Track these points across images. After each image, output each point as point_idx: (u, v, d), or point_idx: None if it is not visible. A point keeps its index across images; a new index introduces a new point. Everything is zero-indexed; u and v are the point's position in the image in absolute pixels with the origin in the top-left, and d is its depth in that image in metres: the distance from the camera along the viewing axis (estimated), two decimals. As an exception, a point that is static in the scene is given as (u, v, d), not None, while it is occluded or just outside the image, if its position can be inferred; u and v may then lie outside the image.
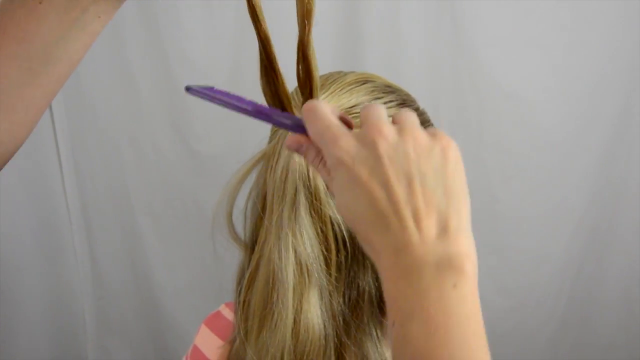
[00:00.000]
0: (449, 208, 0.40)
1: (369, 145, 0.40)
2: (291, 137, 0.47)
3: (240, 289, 0.60)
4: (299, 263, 0.53)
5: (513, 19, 1.40)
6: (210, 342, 0.73)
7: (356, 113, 0.54)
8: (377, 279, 0.58)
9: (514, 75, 1.45)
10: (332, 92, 0.56)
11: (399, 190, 0.39)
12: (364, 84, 0.57)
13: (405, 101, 0.59)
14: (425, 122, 0.59)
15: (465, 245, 0.39)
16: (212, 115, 1.46)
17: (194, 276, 1.61)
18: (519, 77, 1.45)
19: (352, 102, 0.55)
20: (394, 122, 0.43)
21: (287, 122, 0.47)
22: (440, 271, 0.38)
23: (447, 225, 0.39)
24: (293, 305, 0.54)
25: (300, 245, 0.53)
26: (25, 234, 1.52)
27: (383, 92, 0.57)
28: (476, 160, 1.51)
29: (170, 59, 1.43)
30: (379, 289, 0.58)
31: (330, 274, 0.55)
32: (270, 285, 0.55)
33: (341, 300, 0.57)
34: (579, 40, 1.42)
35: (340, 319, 0.56)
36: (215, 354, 0.70)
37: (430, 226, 0.39)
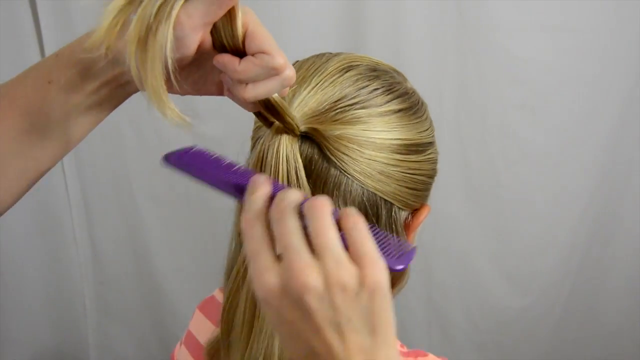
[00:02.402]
0: (375, 346, 0.41)
1: (297, 299, 0.40)
2: None
3: (228, 289, 0.58)
4: None
5: (519, 1, 1.38)
6: (203, 328, 0.72)
7: (341, 108, 0.52)
8: None
9: (519, 58, 1.43)
10: (314, 86, 0.53)
11: (330, 337, 0.40)
12: (347, 71, 0.55)
13: (391, 86, 0.56)
14: (414, 105, 0.56)
15: None
16: (214, 97, 1.44)
17: (195, 260, 1.60)
18: (525, 61, 1.43)
19: (337, 96, 0.53)
20: (313, 245, 0.42)
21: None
22: None
23: None
24: None
25: None
26: (24, 219, 1.51)
27: (368, 80, 0.55)
28: (480, 145, 1.50)
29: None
30: None
31: None
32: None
33: None
34: (586, 22, 1.40)
35: None
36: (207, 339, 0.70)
37: None
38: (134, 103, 1.60)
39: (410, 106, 0.56)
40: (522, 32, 1.41)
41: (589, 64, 1.44)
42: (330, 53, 0.59)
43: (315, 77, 0.54)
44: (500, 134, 1.50)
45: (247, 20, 0.45)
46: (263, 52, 0.44)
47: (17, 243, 1.51)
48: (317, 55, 0.59)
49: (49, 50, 1.41)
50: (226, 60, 0.46)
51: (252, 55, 0.45)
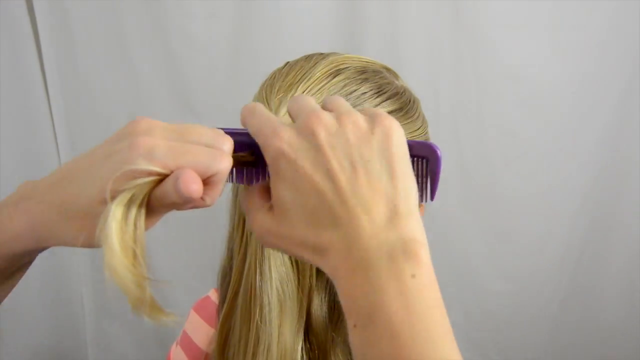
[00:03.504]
0: (396, 191, 0.39)
1: (309, 135, 0.39)
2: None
3: (222, 302, 0.58)
4: (279, 287, 0.52)
5: (516, 0, 1.38)
6: (199, 329, 0.72)
7: None
8: None
9: (516, 55, 1.43)
10: (301, 93, 0.52)
11: (344, 178, 0.38)
12: (335, 76, 0.54)
13: (380, 87, 0.55)
14: (405, 106, 0.56)
15: (417, 230, 0.39)
16: (212, 94, 1.44)
17: (193, 258, 1.60)
18: (521, 58, 1.43)
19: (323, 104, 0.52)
20: (326, 109, 0.42)
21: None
22: (395, 260, 0.37)
23: (396, 209, 0.38)
24: (277, 336, 0.52)
25: (279, 266, 0.52)
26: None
27: (356, 83, 0.54)
28: (477, 142, 1.50)
29: (170, 37, 1.41)
30: None
31: (310, 286, 0.53)
32: (251, 310, 0.53)
33: (325, 307, 0.55)
34: (583, 20, 1.41)
35: (321, 330, 0.55)
36: (204, 341, 0.69)
37: (380, 213, 0.38)
38: (131, 102, 1.60)
39: (401, 107, 0.55)
40: (519, 30, 1.41)
41: (585, 62, 1.44)
42: (320, 54, 0.57)
43: (302, 84, 0.53)
44: (497, 132, 1.50)
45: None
46: (212, 179, 0.40)
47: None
48: (306, 58, 0.57)
49: (46, 52, 1.40)
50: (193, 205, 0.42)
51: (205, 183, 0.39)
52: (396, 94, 0.56)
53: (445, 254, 1.58)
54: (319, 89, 0.52)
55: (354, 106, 0.51)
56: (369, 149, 0.39)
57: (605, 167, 1.55)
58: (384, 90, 0.55)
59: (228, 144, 0.41)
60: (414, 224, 0.39)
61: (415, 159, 0.45)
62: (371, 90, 0.54)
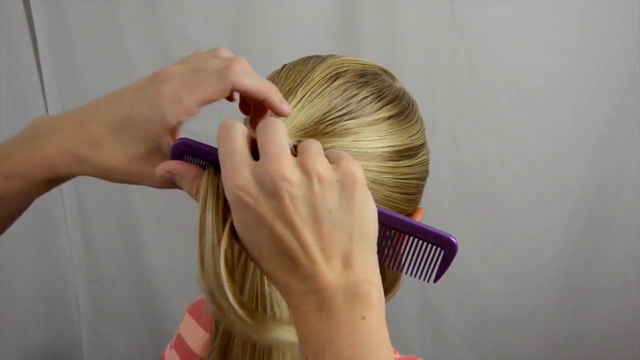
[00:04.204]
0: (353, 243, 0.40)
1: (270, 186, 0.39)
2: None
3: None
4: None
5: (512, 1, 1.38)
6: (193, 332, 0.71)
7: (331, 120, 0.50)
8: None
9: (513, 58, 1.44)
10: (301, 99, 0.51)
11: (305, 231, 0.39)
12: (334, 80, 0.53)
13: (381, 91, 0.54)
14: (405, 109, 0.55)
15: (369, 274, 0.41)
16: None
17: (189, 259, 1.60)
18: (518, 60, 1.44)
19: (326, 108, 0.51)
20: (293, 149, 0.42)
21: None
22: (348, 303, 0.39)
23: (353, 257, 0.40)
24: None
25: None
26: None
27: (357, 87, 0.53)
28: (474, 144, 1.50)
29: (168, 38, 1.41)
30: None
31: None
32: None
33: None
34: (579, 22, 1.42)
35: None
36: (197, 345, 0.69)
37: (338, 262, 0.40)
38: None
39: (401, 111, 0.55)
40: (515, 32, 1.41)
41: (581, 63, 1.45)
42: (317, 57, 0.57)
43: (301, 89, 0.52)
44: (494, 133, 1.50)
45: None
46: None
47: (10, 242, 1.50)
48: (303, 62, 0.57)
49: (43, 52, 1.40)
50: None
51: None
52: (396, 97, 0.55)
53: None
54: (320, 93, 0.52)
55: (355, 111, 0.51)
56: (332, 199, 0.40)
57: (601, 168, 1.55)
58: (385, 94, 0.54)
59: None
60: (366, 270, 0.41)
61: (429, 245, 0.48)
62: (372, 94, 0.53)
